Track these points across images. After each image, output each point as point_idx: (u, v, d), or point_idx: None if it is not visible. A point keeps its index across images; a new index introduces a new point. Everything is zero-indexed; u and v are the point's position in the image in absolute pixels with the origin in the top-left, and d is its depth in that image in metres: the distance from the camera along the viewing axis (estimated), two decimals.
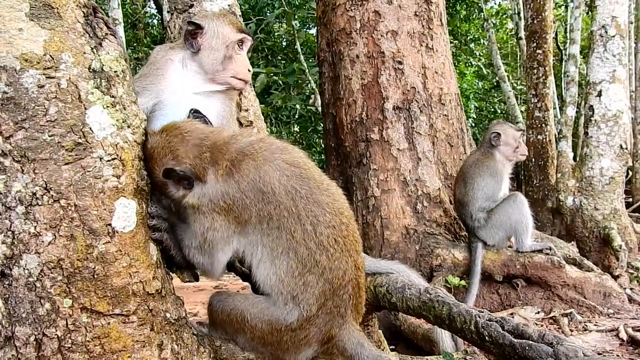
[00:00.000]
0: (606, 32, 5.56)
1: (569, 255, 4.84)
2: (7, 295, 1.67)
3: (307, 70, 10.93)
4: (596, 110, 5.53)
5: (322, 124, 6.46)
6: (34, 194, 1.65)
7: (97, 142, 1.74)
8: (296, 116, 12.45)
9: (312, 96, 11.43)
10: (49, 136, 1.66)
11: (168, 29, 3.30)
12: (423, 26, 5.19)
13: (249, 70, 2.57)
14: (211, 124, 2.21)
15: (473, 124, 15.17)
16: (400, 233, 4.79)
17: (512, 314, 4.28)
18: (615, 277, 4.84)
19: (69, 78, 1.70)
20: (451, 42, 10.31)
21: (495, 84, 16.53)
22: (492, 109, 17.04)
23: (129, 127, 1.85)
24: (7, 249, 1.65)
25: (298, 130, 13.34)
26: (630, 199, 11.58)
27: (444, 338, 3.25)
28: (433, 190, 4.93)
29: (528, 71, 9.26)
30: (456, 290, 4.33)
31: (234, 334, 2.09)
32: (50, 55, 1.67)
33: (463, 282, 4.40)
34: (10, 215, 1.65)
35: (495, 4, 17.67)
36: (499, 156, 4.65)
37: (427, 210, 4.87)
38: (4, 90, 1.62)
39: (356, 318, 2.09)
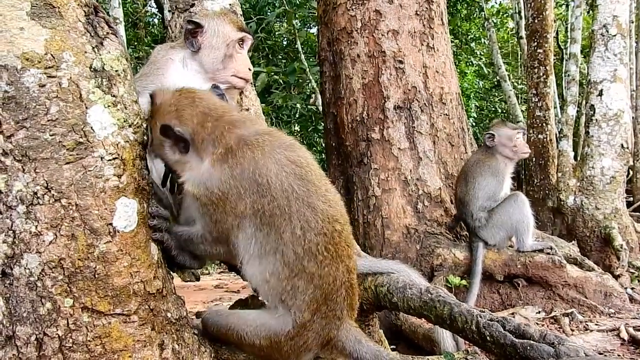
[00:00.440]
0: (607, 31, 5.55)
1: (570, 255, 4.83)
2: (8, 295, 1.67)
3: (307, 70, 10.91)
4: (597, 110, 5.52)
5: (322, 123, 6.45)
6: (35, 193, 1.65)
7: (98, 142, 1.74)
8: (297, 115, 12.43)
9: (313, 95, 11.40)
10: (50, 135, 1.66)
11: (169, 28, 3.29)
12: (424, 25, 5.18)
13: (249, 69, 2.57)
14: (229, 102, 2.17)
15: (474, 124, 15.15)
16: (401, 233, 4.78)
17: (513, 313, 4.27)
18: (616, 277, 4.83)
19: (70, 77, 1.70)
20: (452, 42, 10.29)
21: (496, 83, 16.52)
22: (493, 109, 17.04)
23: (130, 126, 1.85)
24: (8, 248, 1.65)
25: (299, 130, 13.32)
26: (631, 199, 11.58)
27: (445, 338, 3.24)
28: (434, 190, 4.92)
29: (529, 70, 9.23)
30: (457, 290, 4.32)
31: (234, 349, 2.12)
32: (52, 55, 1.67)
33: (464, 282, 4.38)
34: (11, 215, 1.65)
35: (496, 3, 17.65)
36: (500, 156, 4.65)
37: (427, 210, 4.86)
38: (5, 89, 1.62)
39: (351, 315, 2.07)
